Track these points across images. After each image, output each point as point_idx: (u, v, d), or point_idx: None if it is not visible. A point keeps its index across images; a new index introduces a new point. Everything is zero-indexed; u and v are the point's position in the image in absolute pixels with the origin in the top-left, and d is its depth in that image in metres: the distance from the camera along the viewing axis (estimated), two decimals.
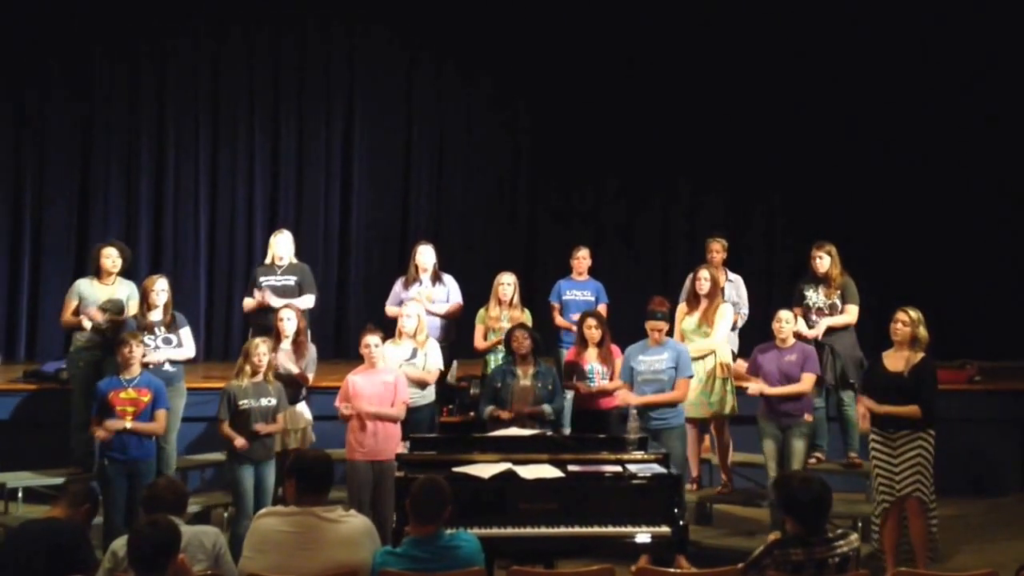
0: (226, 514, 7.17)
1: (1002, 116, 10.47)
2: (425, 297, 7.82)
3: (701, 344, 7.33)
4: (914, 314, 6.32)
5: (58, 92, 10.41)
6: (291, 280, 7.80)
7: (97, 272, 7.51)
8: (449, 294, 8.04)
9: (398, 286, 8.08)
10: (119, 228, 10.36)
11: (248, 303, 7.86)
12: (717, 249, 8.06)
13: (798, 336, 7.12)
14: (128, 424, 6.38)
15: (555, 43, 10.75)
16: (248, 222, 10.74)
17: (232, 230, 10.73)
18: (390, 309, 7.97)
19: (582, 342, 7.08)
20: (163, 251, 10.49)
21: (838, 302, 7.49)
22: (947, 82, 10.52)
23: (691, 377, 6.93)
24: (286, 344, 7.09)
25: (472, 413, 7.90)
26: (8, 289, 10.33)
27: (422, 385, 7.13)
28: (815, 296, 7.52)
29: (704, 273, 7.52)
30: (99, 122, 10.49)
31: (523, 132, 11.13)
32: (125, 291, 7.54)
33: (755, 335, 7.88)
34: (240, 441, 6.41)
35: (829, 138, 10.67)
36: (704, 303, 7.46)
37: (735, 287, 8.14)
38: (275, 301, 7.56)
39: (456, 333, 8.14)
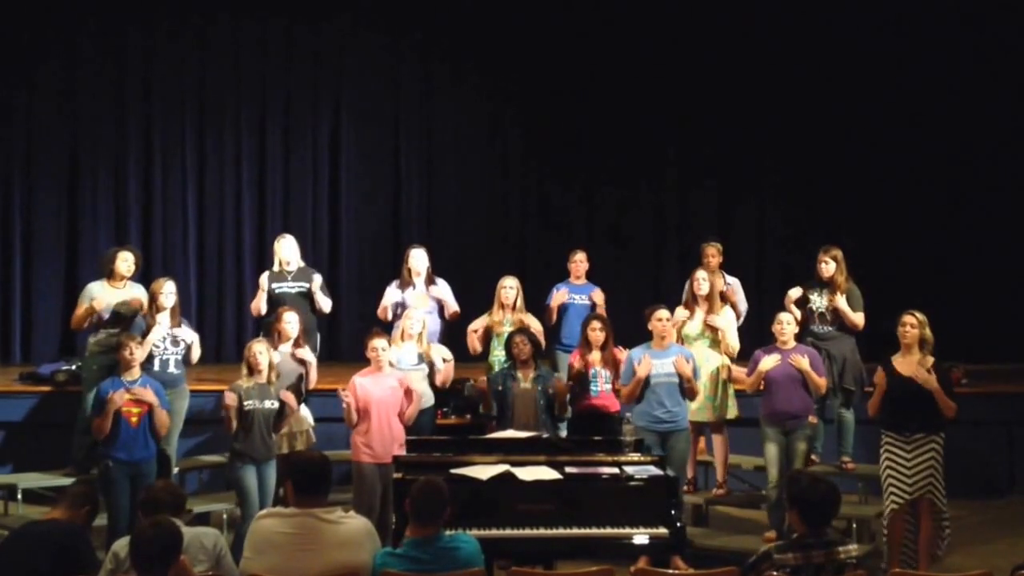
0: (226, 515, 7.19)
1: (999, 119, 10.52)
2: (422, 301, 7.82)
3: (727, 341, 7.41)
4: (920, 316, 6.42)
5: (44, 92, 10.37)
6: (304, 286, 7.82)
7: (110, 276, 7.53)
8: (444, 299, 8.05)
9: (392, 289, 8.07)
10: (108, 230, 10.35)
11: (256, 306, 7.84)
12: (712, 253, 8.06)
13: (797, 339, 7.16)
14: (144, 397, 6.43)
15: (544, 43, 10.74)
16: (236, 224, 10.71)
17: (221, 232, 10.70)
18: (385, 312, 7.98)
19: (586, 345, 7.09)
20: (153, 253, 10.41)
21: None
22: (944, 83, 10.55)
23: (698, 379, 6.98)
24: (286, 347, 7.10)
25: (468, 415, 7.93)
26: (1, 292, 10.31)
27: (436, 387, 7.22)
28: (819, 300, 7.54)
29: (701, 275, 7.56)
30: (86, 122, 10.46)
31: (513, 132, 11.11)
32: (138, 295, 7.54)
33: (750, 336, 7.93)
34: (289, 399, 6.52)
35: (822, 139, 10.70)
36: (704, 306, 7.51)
37: (733, 289, 8.12)
38: (321, 299, 7.81)
39: (449, 337, 8.14)
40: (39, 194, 10.39)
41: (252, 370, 6.60)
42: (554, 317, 8.14)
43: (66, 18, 10.34)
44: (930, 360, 6.37)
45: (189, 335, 7.25)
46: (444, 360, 7.37)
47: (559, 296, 8.02)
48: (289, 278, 7.86)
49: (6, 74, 10.29)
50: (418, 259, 8.00)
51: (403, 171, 11.02)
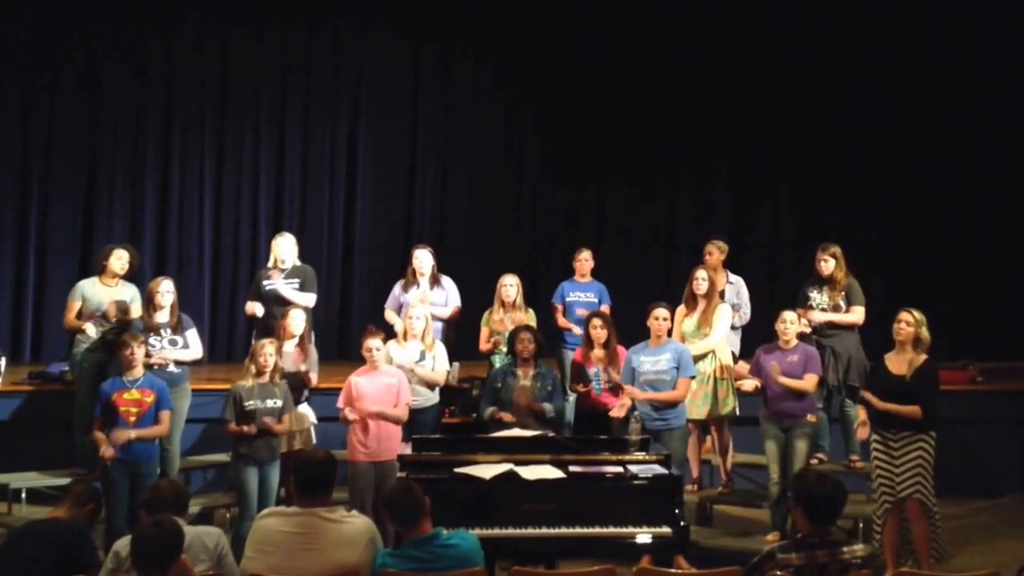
0: (228, 515, 7.20)
1: (1002, 117, 10.47)
2: (423, 300, 7.81)
3: (700, 344, 7.31)
4: (917, 315, 6.34)
5: (64, 93, 10.41)
6: (295, 283, 7.81)
7: (102, 272, 7.52)
8: (448, 297, 8.03)
9: (397, 289, 8.09)
10: (124, 231, 10.38)
11: (250, 308, 7.83)
12: (711, 251, 8.01)
13: (800, 336, 7.10)
14: (133, 434, 6.35)
15: (559, 43, 10.78)
16: (252, 224, 10.75)
17: (236, 233, 10.74)
18: (389, 313, 7.99)
19: (588, 342, 7.08)
20: (167, 253, 10.50)
21: (842, 304, 7.46)
22: (949, 84, 10.52)
23: (693, 377, 6.94)
24: (290, 346, 7.11)
25: (474, 415, 7.93)
26: (13, 291, 10.35)
27: (431, 386, 7.18)
28: (819, 297, 7.51)
29: (701, 273, 7.49)
30: (104, 124, 10.50)
31: (528, 134, 11.16)
32: (129, 294, 7.55)
33: (758, 336, 7.89)
34: (250, 428, 6.39)
35: (832, 138, 10.68)
36: (702, 304, 7.44)
37: (736, 289, 8.10)
38: (283, 289, 7.58)
39: (455, 336, 8.13)
40: (56, 195, 10.42)
41: (259, 371, 6.61)
42: (561, 318, 8.16)
43: (87, 21, 10.38)
44: (922, 358, 6.29)
45: (191, 336, 7.24)
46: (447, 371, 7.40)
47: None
48: (282, 275, 7.84)
49: (26, 77, 10.33)
50: (423, 259, 8.00)
51: (418, 171, 11.06)
